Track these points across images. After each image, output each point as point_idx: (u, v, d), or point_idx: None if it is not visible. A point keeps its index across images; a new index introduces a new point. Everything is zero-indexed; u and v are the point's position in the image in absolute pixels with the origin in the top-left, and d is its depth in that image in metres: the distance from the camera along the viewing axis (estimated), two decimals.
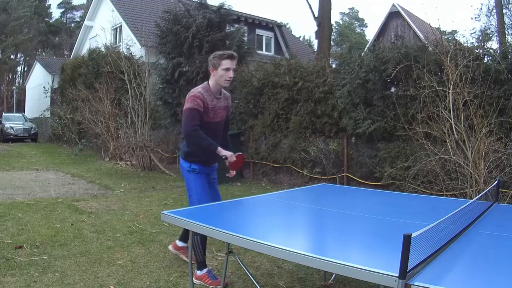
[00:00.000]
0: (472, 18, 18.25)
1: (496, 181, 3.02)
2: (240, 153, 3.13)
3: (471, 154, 4.66)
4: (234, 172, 3.23)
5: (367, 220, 2.40)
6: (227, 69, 3.00)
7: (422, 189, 5.20)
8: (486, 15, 16.16)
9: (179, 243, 3.60)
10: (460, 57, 4.99)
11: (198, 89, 3.04)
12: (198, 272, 3.12)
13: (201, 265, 3.12)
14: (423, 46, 5.97)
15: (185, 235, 3.49)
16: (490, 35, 5.59)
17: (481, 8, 20.78)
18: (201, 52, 8.99)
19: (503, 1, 13.58)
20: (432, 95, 5.24)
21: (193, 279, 3.01)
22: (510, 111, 4.95)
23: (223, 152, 2.98)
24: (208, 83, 3.09)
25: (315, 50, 13.85)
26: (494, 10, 13.77)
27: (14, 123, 19.98)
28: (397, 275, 1.38)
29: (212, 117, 3.06)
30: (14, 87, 34.86)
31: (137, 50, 13.44)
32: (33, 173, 9.09)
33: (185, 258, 3.52)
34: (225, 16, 9.59)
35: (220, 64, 3.00)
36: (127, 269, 3.40)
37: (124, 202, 6.14)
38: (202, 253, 3.10)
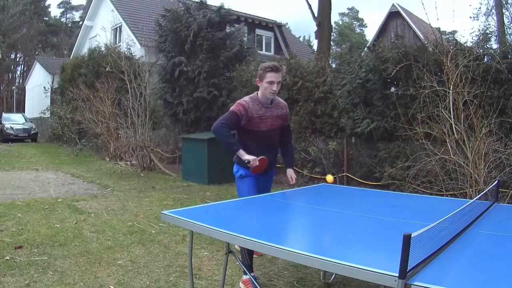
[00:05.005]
0: (470, 17, 18.23)
1: (496, 181, 3.01)
2: (263, 156, 3.04)
3: (471, 154, 4.66)
4: (294, 180, 3.39)
5: (367, 220, 2.40)
6: (271, 82, 3.00)
7: (422, 189, 5.20)
8: (485, 15, 16.16)
9: (244, 277, 3.18)
10: (460, 57, 4.98)
11: (245, 98, 3.13)
12: (244, 276, 3.08)
13: (248, 268, 2.92)
14: (423, 46, 5.95)
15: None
16: (490, 36, 5.54)
17: (479, 8, 20.78)
18: (202, 51, 9.00)
19: (503, 1, 13.58)
20: (432, 95, 5.24)
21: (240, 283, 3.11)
22: (510, 111, 4.94)
23: (245, 156, 2.96)
24: (257, 93, 3.14)
25: (315, 50, 13.83)
26: (493, 10, 13.79)
27: (14, 123, 19.96)
28: (397, 275, 1.38)
29: (257, 125, 3.08)
30: (14, 87, 34.86)
31: (137, 50, 13.45)
32: (33, 173, 9.09)
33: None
34: (225, 16, 9.60)
35: (264, 77, 3.01)
36: (127, 269, 3.40)
37: (124, 202, 6.14)
38: (247, 256, 2.99)
